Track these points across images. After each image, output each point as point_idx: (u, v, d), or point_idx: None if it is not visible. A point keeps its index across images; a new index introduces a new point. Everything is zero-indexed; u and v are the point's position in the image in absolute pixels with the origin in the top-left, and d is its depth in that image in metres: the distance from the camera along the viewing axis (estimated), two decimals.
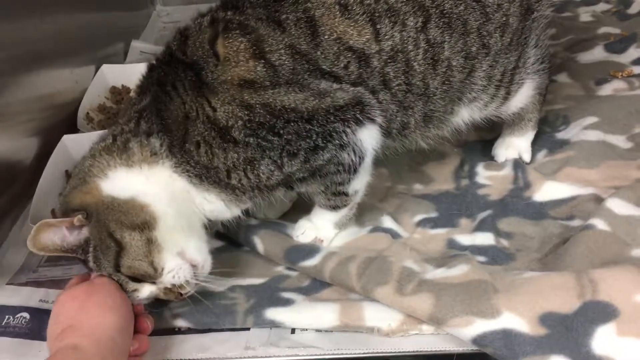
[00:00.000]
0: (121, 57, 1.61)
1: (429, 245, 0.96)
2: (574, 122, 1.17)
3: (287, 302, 0.87)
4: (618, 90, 1.25)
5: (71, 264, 1.01)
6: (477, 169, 1.11)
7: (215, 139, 0.82)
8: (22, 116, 1.19)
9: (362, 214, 1.02)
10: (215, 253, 0.99)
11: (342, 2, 0.85)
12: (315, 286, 0.91)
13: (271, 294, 0.89)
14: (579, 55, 1.39)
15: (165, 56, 0.87)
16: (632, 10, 1.56)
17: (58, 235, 0.81)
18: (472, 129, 1.21)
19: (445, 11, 0.88)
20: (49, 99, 1.29)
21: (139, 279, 0.82)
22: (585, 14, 1.58)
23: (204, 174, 0.84)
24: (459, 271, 0.84)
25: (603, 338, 0.73)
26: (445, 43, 0.89)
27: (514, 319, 0.76)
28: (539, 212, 0.99)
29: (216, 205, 0.88)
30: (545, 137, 1.15)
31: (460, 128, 1.02)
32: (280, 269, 0.95)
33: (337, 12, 0.84)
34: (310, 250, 0.94)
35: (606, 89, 1.27)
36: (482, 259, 0.91)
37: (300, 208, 1.05)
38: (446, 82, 0.92)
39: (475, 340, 0.76)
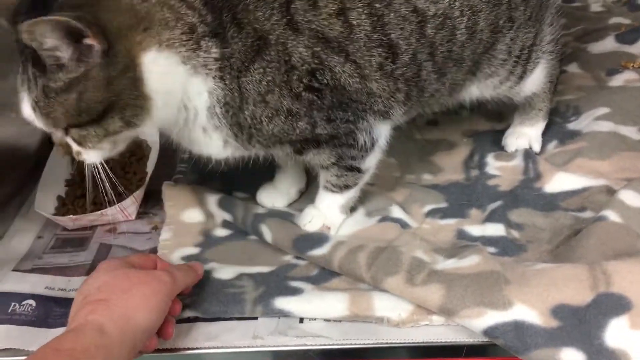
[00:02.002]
0: None
1: (439, 235, 0.95)
2: (585, 113, 1.15)
3: (295, 291, 0.86)
4: (629, 82, 1.24)
5: (78, 251, 1.00)
6: (487, 159, 1.09)
7: (280, 74, 0.78)
8: None
9: (371, 203, 1.00)
10: (222, 242, 0.99)
11: None
12: (324, 275, 0.90)
13: (279, 283, 0.88)
14: (590, 45, 1.38)
15: None
16: None
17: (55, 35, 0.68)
18: (483, 119, 1.21)
19: None
20: None
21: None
22: (595, 4, 1.56)
23: (234, 105, 0.80)
24: (469, 262, 0.83)
25: (616, 331, 0.72)
26: (482, 12, 0.87)
27: (526, 311, 0.75)
28: (550, 203, 0.98)
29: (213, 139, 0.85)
30: (556, 127, 1.14)
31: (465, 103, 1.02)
32: (289, 258, 0.94)
33: None
34: (318, 239, 0.93)
35: (617, 80, 1.25)
36: (492, 249, 0.90)
37: (307, 198, 1.05)
38: (473, 53, 0.91)
39: (486, 332, 0.75)
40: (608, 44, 1.37)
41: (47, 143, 1.16)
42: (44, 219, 1.07)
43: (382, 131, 0.91)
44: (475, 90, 0.99)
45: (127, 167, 1.15)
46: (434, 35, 0.85)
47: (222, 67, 0.78)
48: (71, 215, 1.04)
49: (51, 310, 0.89)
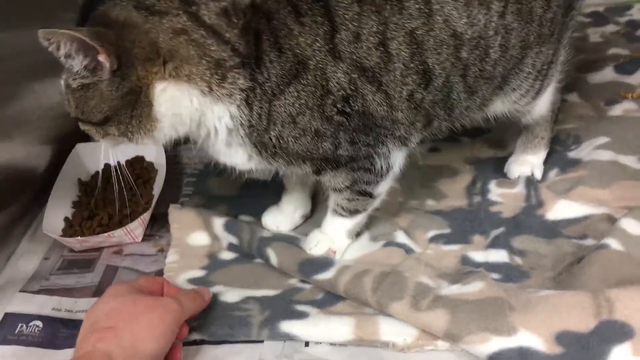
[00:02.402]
0: None
1: (443, 261, 0.96)
2: (585, 142, 1.17)
3: (301, 315, 0.87)
4: (628, 111, 1.26)
5: (84, 273, 1.01)
6: (490, 186, 1.11)
7: (314, 98, 0.79)
8: (36, 124, 1.19)
9: (376, 228, 1.02)
10: (227, 264, 1.00)
11: None
12: (330, 299, 0.91)
13: (285, 307, 0.89)
14: (589, 75, 1.40)
15: None
16: None
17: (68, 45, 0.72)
18: (485, 146, 1.22)
19: None
20: (63, 108, 1.29)
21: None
22: (594, 35, 1.59)
23: (260, 127, 0.81)
24: (474, 288, 0.85)
25: (619, 358, 0.73)
26: (514, 31, 0.89)
27: (530, 337, 0.76)
28: (552, 230, 0.99)
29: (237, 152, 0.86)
30: (557, 155, 1.16)
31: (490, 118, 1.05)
32: (294, 282, 0.95)
33: None
34: (324, 263, 0.94)
35: (616, 110, 1.27)
36: (496, 276, 0.91)
37: (311, 224, 1.07)
38: (504, 69, 0.92)
39: (491, 358, 0.76)
40: (607, 74, 1.40)
41: (54, 165, 1.18)
42: (50, 240, 1.08)
43: (398, 158, 0.92)
44: (500, 105, 1.01)
45: (133, 190, 1.17)
46: (468, 56, 0.86)
47: (250, 95, 0.79)
48: (79, 237, 1.05)
49: (58, 331, 0.90)
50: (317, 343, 0.85)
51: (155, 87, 0.75)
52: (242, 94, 0.78)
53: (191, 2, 0.75)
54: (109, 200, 1.14)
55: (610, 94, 1.32)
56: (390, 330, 0.83)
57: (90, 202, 1.14)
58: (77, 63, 0.74)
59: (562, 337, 0.76)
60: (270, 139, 0.83)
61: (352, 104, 0.81)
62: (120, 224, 1.08)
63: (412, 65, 0.82)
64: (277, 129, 0.81)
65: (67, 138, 1.23)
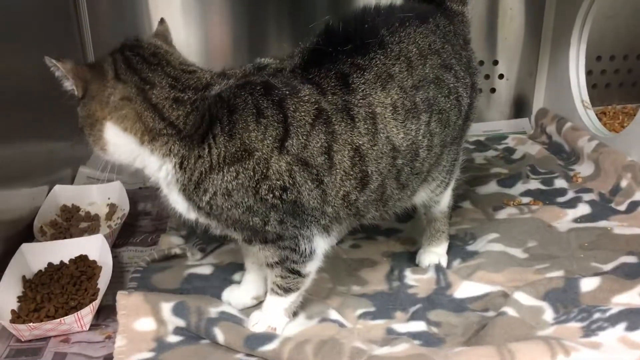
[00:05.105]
0: (70, 181, 1.72)
1: (371, 333, 1.10)
2: (479, 238, 1.40)
3: None
4: (512, 215, 1.52)
5: None
6: (405, 273, 1.28)
7: (252, 181, 0.94)
8: None
9: (310, 308, 1.15)
10: (175, 346, 1.08)
11: (395, 102, 1.01)
12: None
13: None
14: (478, 188, 1.67)
15: (275, 87, 0.96)
16: (516, 156, 1.91)
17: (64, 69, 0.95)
18: (398, 243, 1.42)
19: (441, 108, 1.09)
20: (10, 213, 1.40)
21: None
22: (479, 158, 1.90)
23: (190, 189, 0.98)
24: (401, 348, 0.99)
25: None
26: (436, 135, 1.09)
27: None
28: (460, 306, 1.17)
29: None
30: (459, 249, 1.37)
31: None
32: (240, 356, 1.04)
33: (389, 112, 1.01)
34: (268, 336, 1.04)
35: (502, 214, 1.53)
36: (417, 342, 1.05)
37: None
38: (429, 164, 1.13)
39: None
40: (492, 187, 1.68)
41: (1, 264, 1.23)
42: None
43: (321, 243, 1.07)
44: (423, 194, 1.21)
45: (77, 285, 1.23)
46: (403, 161, 1.05)
47: (185, 161, 0.96)
48: (30, 324, 1.08)
49: None
50: None
51: (104, 123, 0.96)
52: (176, 158, 0.96)
53: (148, 82, 0.95)
54: (54, 295, 1.19)
55: (496, 202, 1.59)
56: None
57: (36, 297, 1.18)
58: (68, 84, 0.97)
59: None
60: (202, 203, 0.98)
61: (289, 194, 0.97)
62: (67, 315, 1.13)
63: (352, 172, 1.00)
64: (209, 196, 0.96)
65: (12, 239, 1.31)
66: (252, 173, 0.95)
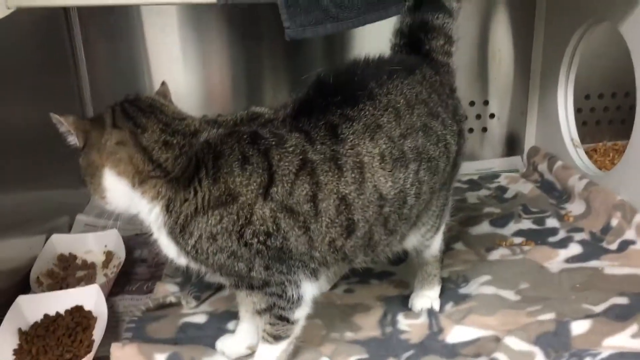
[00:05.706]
0: (68, 229, 1.74)
1: None
2: (472, 280, 1.41)
3: None
4: (504, 256, 1.54)
5: None
6: (398, 318, 1.29)
7: (236, 225, 0.96)
8: None
9: (303, 356, 1.16)
10: None
11: (383, 152, 1.03)
12: None
13: None
14: (470, 228, 1.69)
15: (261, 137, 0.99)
16: (508, 195, 1.93)
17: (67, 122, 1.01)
18: (391, 286, 1.43)
19: (430, 156, 1.10)
20: (7, 263, 1.41)
21: None
22: (471, 197, 1.92)
23: (176, 233, 1.00)
24: None
25: None
26: (425, 183, 1.10)
27: None
28: (452, 351, 1.18)
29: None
30: (451, 292, 1.38)
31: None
32: None
33: (377, 162, 1.03)
34: None
35: (494, 255, 1.55)
36: None
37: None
38: (418, 210, 1.14)
39: None
40: (484, 227, 1.70)
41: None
42: None
43: (308, 289, 1.08)
44: (413, 239, 1.22)
45: (73, 336, 1.24)
46: (390, 209, 1.07)
47: (170, 203, 0.99)
48: None
49: None
50: None
51: (103, 170, 1.01)
52: (164, 200, 0.99)
53: (140, 126, 1.00)
54: (49, 347, 1.21)
55: (488, 243, 1.60)
56: None
57: (32, 350, 1.19)
58: (71, 139, 1.02)
59: None
60: (188, 247, 1.00)
61: (273, 240, 0.99)
62: None
63: (337, 220, 1.02)
64: (194, 239, 0.99)
65: (8, 291, 1.33)
66: (236, 217, 0.97)
